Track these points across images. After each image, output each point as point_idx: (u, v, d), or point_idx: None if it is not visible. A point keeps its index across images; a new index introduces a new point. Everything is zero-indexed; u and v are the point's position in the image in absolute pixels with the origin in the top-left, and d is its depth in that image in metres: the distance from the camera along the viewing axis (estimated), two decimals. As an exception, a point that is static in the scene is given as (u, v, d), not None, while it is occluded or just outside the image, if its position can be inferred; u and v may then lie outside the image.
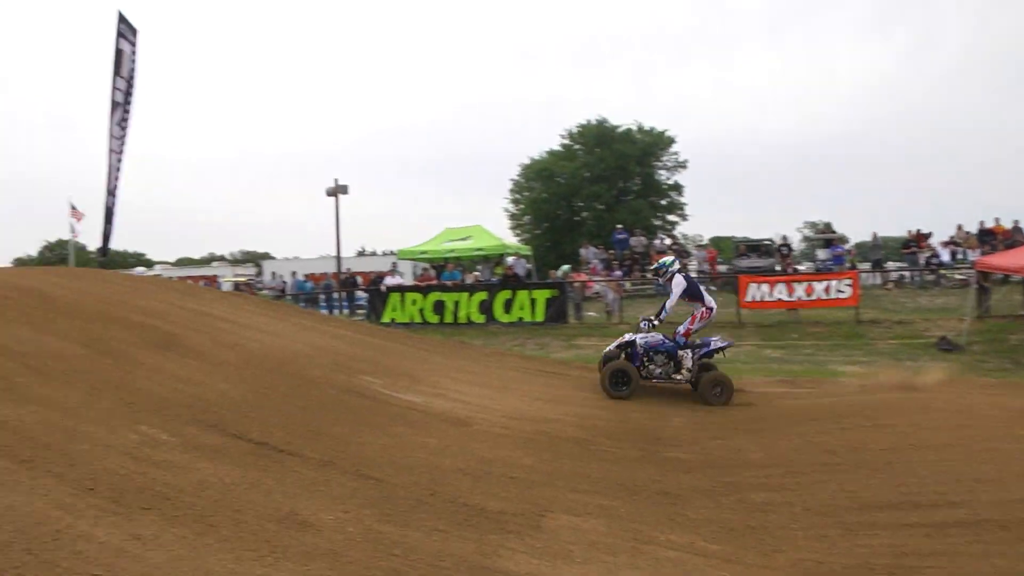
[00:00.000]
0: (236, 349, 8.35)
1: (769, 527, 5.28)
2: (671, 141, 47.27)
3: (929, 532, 5.03)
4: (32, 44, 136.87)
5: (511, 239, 35.03)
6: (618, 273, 23.31)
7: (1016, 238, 21.39)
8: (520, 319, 19.37)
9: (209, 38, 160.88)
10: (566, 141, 48.56)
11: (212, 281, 37.90)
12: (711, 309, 10.26)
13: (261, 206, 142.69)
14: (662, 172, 48.04)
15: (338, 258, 26.61)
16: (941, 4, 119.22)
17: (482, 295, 19.92)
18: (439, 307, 20.11)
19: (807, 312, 18.12)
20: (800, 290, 18.00)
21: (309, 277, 29.26)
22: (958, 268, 22.41)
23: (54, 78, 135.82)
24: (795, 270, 22.46)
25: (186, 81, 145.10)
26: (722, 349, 10.42)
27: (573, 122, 55.85)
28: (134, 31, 17.38)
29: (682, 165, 47.78)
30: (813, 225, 56.78)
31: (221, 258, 72.77)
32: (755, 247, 29.77)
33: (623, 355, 10.41)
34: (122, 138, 17.33)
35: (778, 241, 29.32)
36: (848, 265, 23.68)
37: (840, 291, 17.64)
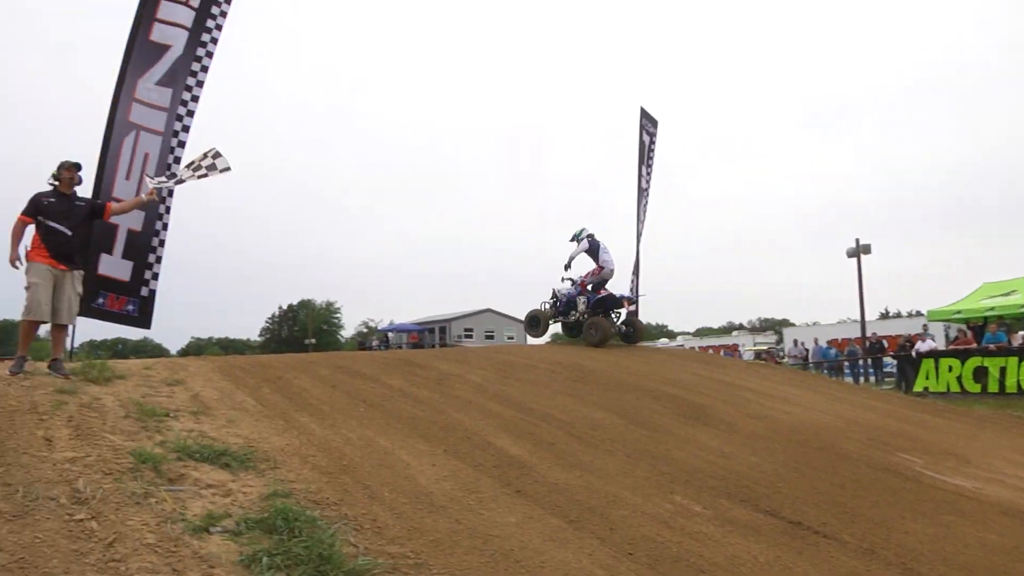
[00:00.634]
0: (765, 420, 8.08)
1: None
2: None
3: None
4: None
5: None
6: None
7: None
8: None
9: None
10: None
11: (733, 350, 38.48)
12: (601, 268, 13.68)
13: (775, 270, 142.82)
14: None
15: (862, 322, 24.77)
16: None
17: (1034, 359, 16.19)
18: (981, 374, 16.93)
19: None
20: None
21: (831, 343, 27.75)
22: None
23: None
24: None
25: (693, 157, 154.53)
26: (621, 300, 13.61)
27: None
28: (654, 123, 19.00)
29: None
30: None
31: (740, 326, 73.88)
32: None
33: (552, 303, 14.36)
34: (644, 221, 18.88)
35: None
36: None
37: None
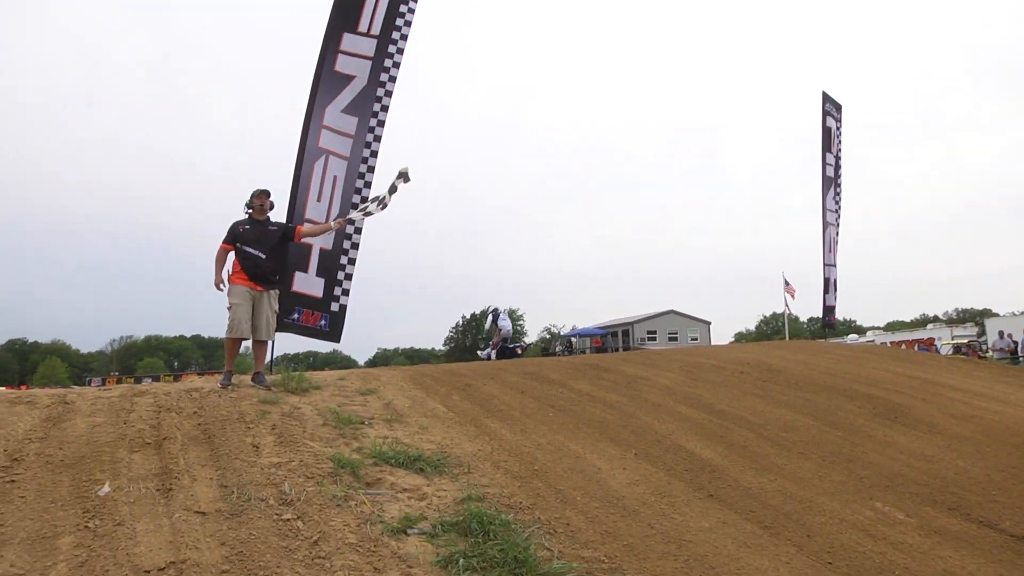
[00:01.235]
0: (972, 421, 7.52)
1: None
2: None
3: None
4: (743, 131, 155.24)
5: None
6: None
7: None
8: None
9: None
10: None
11: (928, 345, 35.66)
12: (500, 330, 20.47)
13: (973, 255, 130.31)
14: None
15: (1087, 309, 22.02)
16: None
17: None
18: None
19: None
20: None
21: (1046, 334, 25.10)
22: None
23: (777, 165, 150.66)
24: None
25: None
26: (515, 349, 21.43)
27: None
28: (838, 107, 18.04)
29: None
30: None
31: (935, 319, 68.28)
32: None
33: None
34: (837, 211, 17.95)
35: None
36: None
37: None
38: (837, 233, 17.95)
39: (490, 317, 21.30)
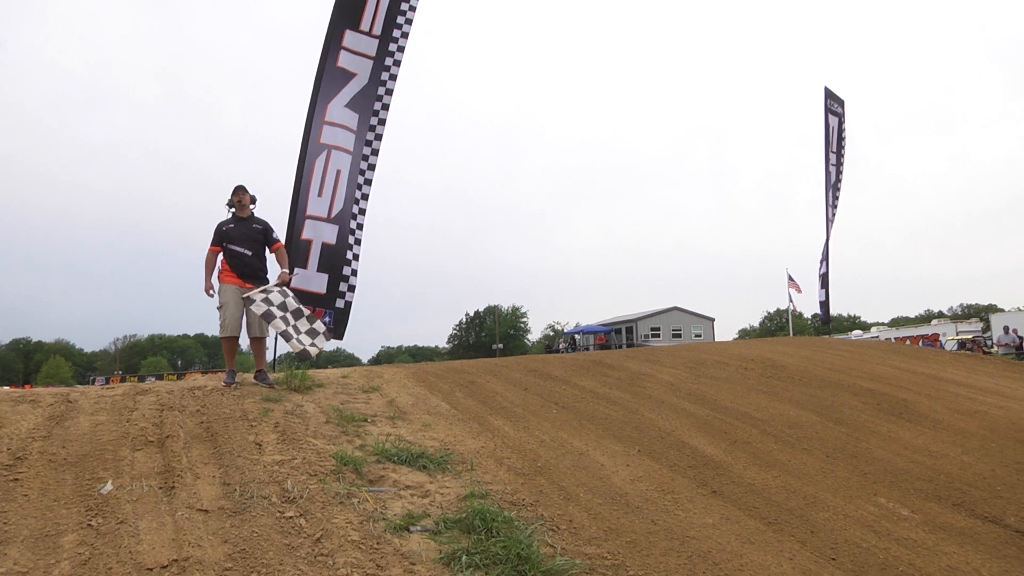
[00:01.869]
0: (976, 417, 7.50)
1: None
2: None
3: None
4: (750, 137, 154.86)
5: None
6: None
7: None
8: None
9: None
10: None
11: (933, 340, 35.59)
12: None
13: (978, 252, 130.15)
14: None
15: (1091, 304, 21.97)
16: None
17: None
18: None
19: None
20: None
21: (1053, 329, 25.05)
22: None
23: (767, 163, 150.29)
24: None
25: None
26: None
27: None
28: (840, 102, 17.97)
29: None
30: None
31: (939, 314, 68.15)
32: None
33: None
34: (835, 207, 17.91)
35: None
36: None
37: None
38: (829, 228, 17.94)
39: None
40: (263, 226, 7.70)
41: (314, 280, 9.75)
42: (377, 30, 10.19)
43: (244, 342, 7.80)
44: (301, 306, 7.53)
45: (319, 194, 9.82)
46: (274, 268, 7.68)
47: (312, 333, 7.44)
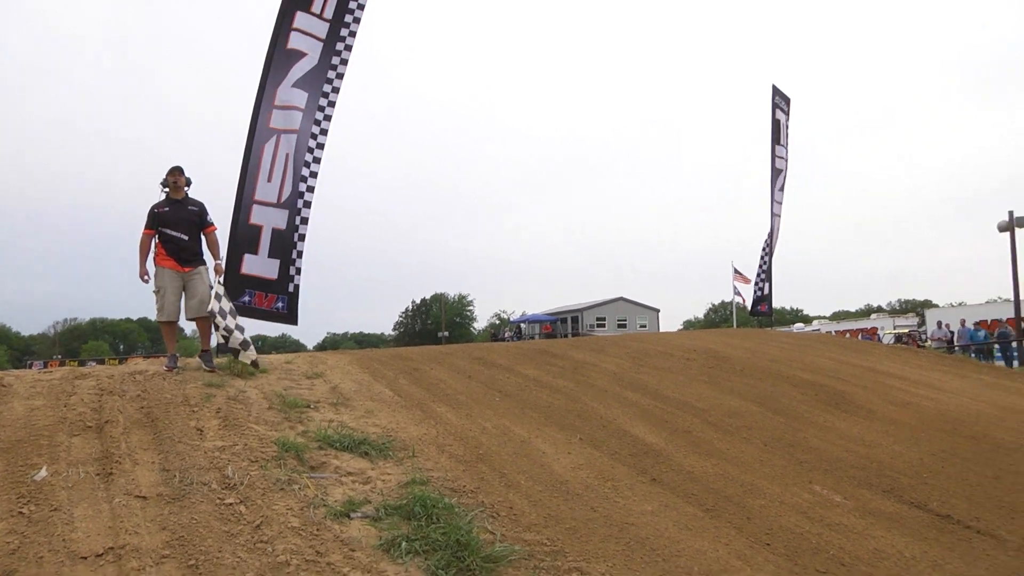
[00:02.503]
0: (908, 408, 7.77)
1: None
2: None
3: None
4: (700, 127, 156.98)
5: None
6: None
7: None
8: None
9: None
10: None
11: (872, 334, 36.65)
12: None
13: (916, 249, 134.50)
14: None
15: (1016, 301, 22.89)
16: None
17: None
18: None
19: None
20: None
21: (980, 325, 26.08)
22: None
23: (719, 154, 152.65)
24: None
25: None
26: None
27: None
28: (787, 100, 18.35)
29: None
30: None
31: (879, 309, 70.14)
32: None
33: None
34: (782, 201, 18.30)
35: None
36: None
37: None
38: (779, 222, 18.33)
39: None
40: (199, 208, 7.57)
41: (266, 266, 9.61)
42: (328, 14, 10.05)
43: (187, 325, 7.72)
44: (239, 320, 7.62)
45: (268, 179, 9.63)
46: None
47: (245, 344, 7.45)
